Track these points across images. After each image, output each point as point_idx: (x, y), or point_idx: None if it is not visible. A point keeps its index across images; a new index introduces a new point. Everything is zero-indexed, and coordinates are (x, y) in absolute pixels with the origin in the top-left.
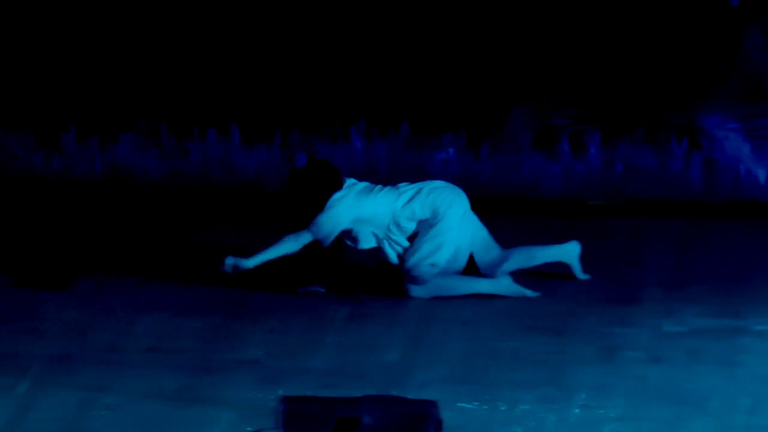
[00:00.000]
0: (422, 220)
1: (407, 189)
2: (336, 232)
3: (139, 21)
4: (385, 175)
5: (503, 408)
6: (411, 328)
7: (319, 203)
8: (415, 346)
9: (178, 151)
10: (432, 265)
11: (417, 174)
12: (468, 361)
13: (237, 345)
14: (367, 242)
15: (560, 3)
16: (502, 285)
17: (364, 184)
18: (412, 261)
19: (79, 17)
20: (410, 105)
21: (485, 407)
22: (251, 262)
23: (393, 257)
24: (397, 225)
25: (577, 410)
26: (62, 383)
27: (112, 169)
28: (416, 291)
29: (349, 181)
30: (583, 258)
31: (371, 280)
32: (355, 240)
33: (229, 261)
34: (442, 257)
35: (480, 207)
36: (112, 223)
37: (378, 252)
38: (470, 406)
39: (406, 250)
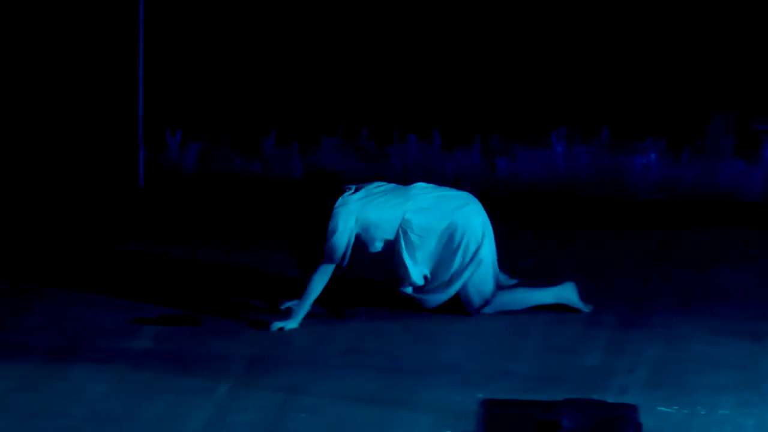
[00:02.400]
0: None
1: (422, 194)
2: (349, 247)
3: (341, 25)
4: (586, 181)
5: (702, 412)
6: (611, 332)
7: (320, 211)
8: (615, 350)
9: (379, 156)
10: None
11: (617, 179)
12: (667, 365)
13: (436, 347)
14: (374, 247)
15: (759, 3)
16: (565, 294)
17: (366, 187)
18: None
19: (283, 22)
20: (611, 110)
21: (685, 411)
22: (296, 322)
23: (405, 267)
24: (406, 233)
25: None
26: (261, 385)
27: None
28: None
29: (350, 188)
30: None
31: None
32: (363, 246)
33: (276, 326)
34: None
35: (680, 212)
36: None
37: (391, 258)
38: (669, 410)
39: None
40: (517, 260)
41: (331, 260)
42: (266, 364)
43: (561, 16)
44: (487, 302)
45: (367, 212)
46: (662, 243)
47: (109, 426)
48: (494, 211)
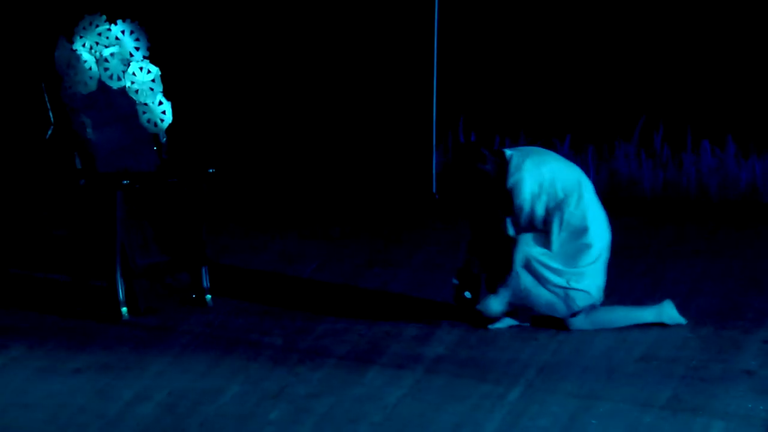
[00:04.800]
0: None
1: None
2: (537, 211)
3: (637, 30)
4: None
5: None
6: None
7: (475, 178)
8: None
9: (672, 162)
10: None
11: None
12: None
13: (731, 354)
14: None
15: None
16: (666, 313)
17: (517, 148)
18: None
19: (576, 23)
20: None
21: None
22: (503, 294)
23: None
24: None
25: None
26: (555, 390)
27: (608, 178)
28: (579, 323)
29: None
30: None
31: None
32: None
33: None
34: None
35: None
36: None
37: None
38: None
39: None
40: None
41: (524, 229)
42: (561, 370)
43: None
44: (578, 313)
45: (542, 171)
46: None
47: (406, 431)
48: None
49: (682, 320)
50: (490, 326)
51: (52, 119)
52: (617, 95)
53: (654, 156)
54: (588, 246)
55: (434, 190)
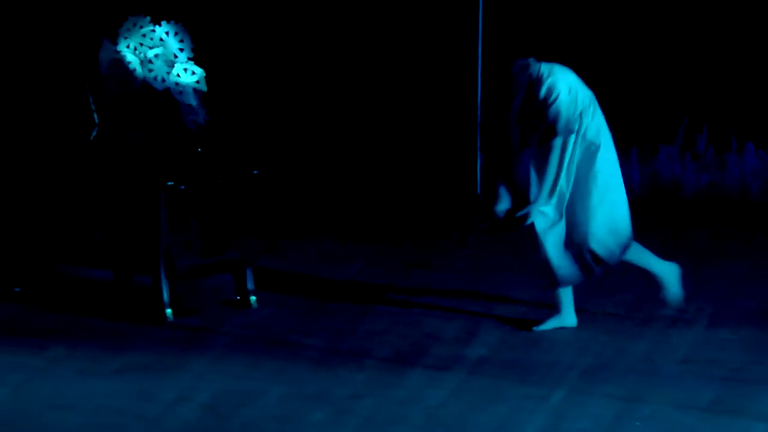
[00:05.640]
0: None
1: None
2: (577, 113)
3: (684, 32)
4: None
5: None
6: None
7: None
8: None
9: (717, 164)
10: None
11: None
12: None
13: None
14: None
15: None
16: (669, 272)
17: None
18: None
19: (619, 29)
20: None
21: None
22: (540, 204)
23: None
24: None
25: None
26: (597, 392)
27: (651, 180)
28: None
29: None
30: None
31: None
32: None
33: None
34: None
35: None
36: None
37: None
38: None
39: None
40: None
41: (563, 133)
42: (603, 372)
43: None
44: (624, 247)
45: (568, 79)
46: None
47: None
48: None
49: (678, 300)
50: (534, 328)
51: (96, 120)
52: (661, 97)
53: (697, 158)
54: (596, 172)
55: (478, 192)
